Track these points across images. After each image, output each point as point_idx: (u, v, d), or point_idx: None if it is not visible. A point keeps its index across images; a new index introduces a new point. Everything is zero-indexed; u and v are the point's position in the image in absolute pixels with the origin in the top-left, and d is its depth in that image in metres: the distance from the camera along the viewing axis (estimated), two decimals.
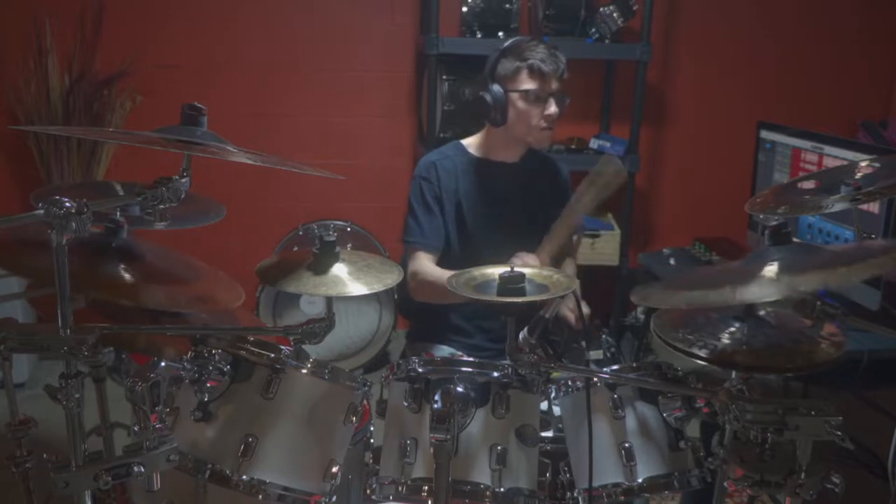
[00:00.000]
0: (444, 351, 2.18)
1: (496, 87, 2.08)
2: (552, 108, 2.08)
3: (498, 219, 2.19)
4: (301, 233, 3.47)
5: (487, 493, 1.41)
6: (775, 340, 1.42)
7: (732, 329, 1.45)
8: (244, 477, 1.39)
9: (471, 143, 2.25)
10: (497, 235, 2.15)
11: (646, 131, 3.67)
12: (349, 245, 3.13)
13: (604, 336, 3.13)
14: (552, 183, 2.28)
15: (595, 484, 1.47)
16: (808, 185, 1.59)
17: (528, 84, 2.07)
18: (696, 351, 1.42)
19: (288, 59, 3.61)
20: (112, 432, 1.30)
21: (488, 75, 2.11)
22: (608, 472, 1.48)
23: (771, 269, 1.26)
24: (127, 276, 1.43)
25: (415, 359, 1.51)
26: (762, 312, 1.47)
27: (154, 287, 1.42)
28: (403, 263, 2.22)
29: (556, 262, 2.34)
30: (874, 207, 2.43)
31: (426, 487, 1.42)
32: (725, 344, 1.42)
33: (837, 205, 1.45)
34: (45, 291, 1.50)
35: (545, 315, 1.59)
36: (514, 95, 2.08)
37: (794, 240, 1.36)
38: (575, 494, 1.53)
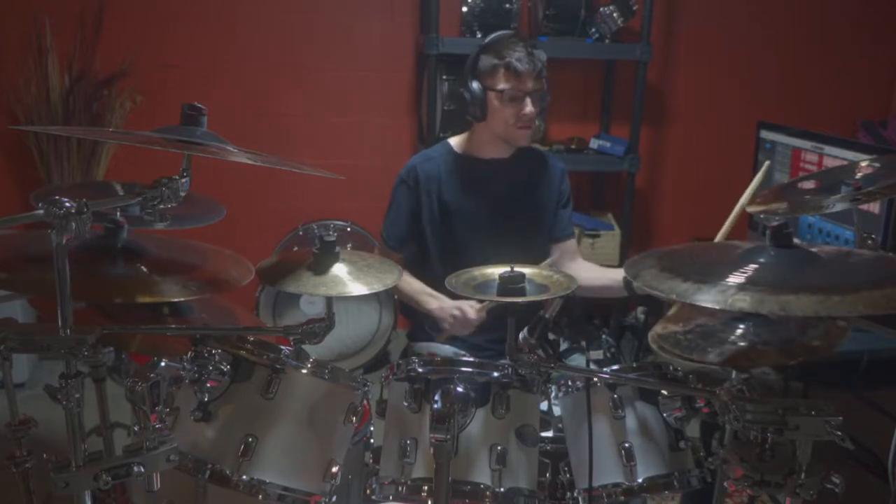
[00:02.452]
0: (446, 350, 2.18)
1: (475, 84, 2.09)
2: (528, 108, 2.07)
3: (487, 217, 2.19)
4: (301, 233, 3.47)
5: (487, 493, 1.41)
6: (778, 336, 1.42)
7: (738, 331, 1.45)
8: (244, 477, 1.39)
9: (459, 141, 2.25)
10: (486, 234, 2.15)
11: (646, 131, 3.67)
12: (349, 245, 3.14)
13: (604, 336, 3.13)
14: (544, 179, 2.26)
15: (595, 484, 1.47)
16: (808, 185, 1.58)
17: (504, 83, 2.07)
18: (698, 357, 1.42)
19: (288, 59, 3.61)
20: (112, 432, 1.30)
21: (469, 71, 2.12)
22: (608, 472, 1.48)
23: (741, 277, 1.22)
24: (136, 274, 1.43)
25: (415, 359, 1.51)
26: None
27: (166, 280, 1.42)
28: (404, 263, 2.23)
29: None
30: (874, 207, 2.43)
31: (426, 487, 1.42)
32: (730, 348, 1.41)
33: (838, 205, 1.45)
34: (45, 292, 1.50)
35: (545, 315, 1.59)
36: (492, 94, 2.08)
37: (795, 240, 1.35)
38: (575, 494, 1.53)
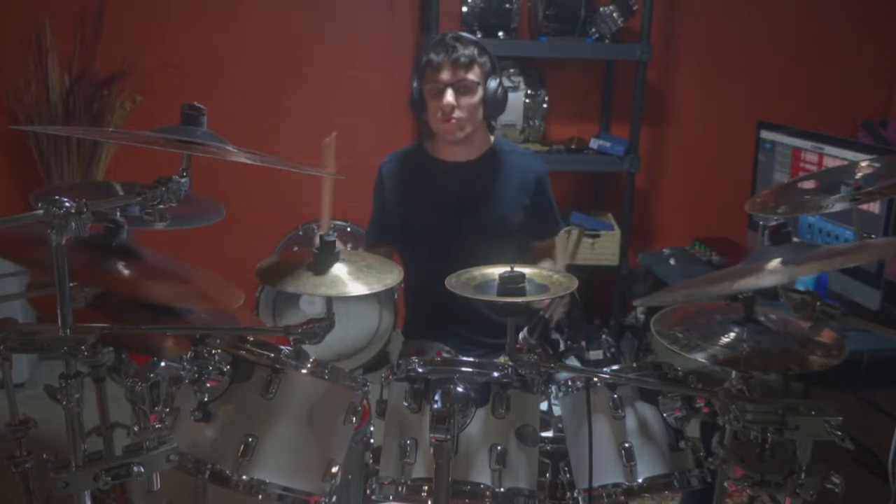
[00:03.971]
0: (436, 348, 2.18)
1: (416, 83, 2.11)
2: (445, 99, 2.04)
3: (443, 220, 2.18)
4: (301, 233, 3.47)
5: (487, 493, 1.41)
6: (772, 346, 1.42)
7: (731, 334, 1.45)
8: (244, 477, 1.39)
9: (429, 143, 2.25)
10: (442, 236, 2.15)
11: (646, 131, 3.67)
12: (349, 245, 3.13)
13: (604, 336, 3.13)
14: (512, 180, 2.20)
15: (595, 484, 1.47)
16: (808, 185, 1.58)
17: (427, 78, 2.08)
18: (687, 354, 1.42)
19: (288, 58, 3.61)
20: (112, 432, 1.30)
21: (413, 71, 2.12)
22: (608, 472, 1.48)
23: (773, 263, 1.27)
24: (128, 271, 1.43)
25: (415, 359, 1.51)
26: (762, 318, 1.47)
27: (155, 283, 1.42)
28: (403, 262, 2.24)
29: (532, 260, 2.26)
30: (874, 207, 2.43)
31: (426, 487, 1.42)
32: (720, 349, 1.42)
33: (837, 205, 1.45)
34: (46, 292, 1.50)
35: (545, 315, 1.59)
36: (424, 90, 2.10)
37: (794, 239, 1.36)
38: (575, 494, 1.53)
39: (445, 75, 2.04)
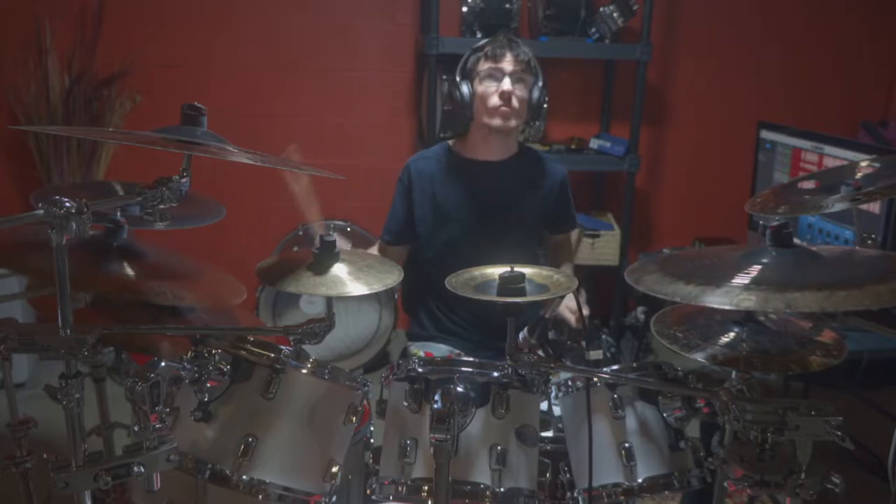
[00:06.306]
0: (442, 350, 2.18)
1: (462, 80, 2.13)
2: (506, 85, 2.08)
3: (476, 218, 2.19)
4: (301, 233, 3.47)
5: (487, 493, 1.41)
6: (772, 346, 1.42)
7: (731, 334, 1.44)
8: (244, 477, 1.39)
9: (457, 143, 2.26)
10: (475, 234, 2.17)
11: (646, 131, 3.67)
12: (349, 245, 3.13)
13: (604, 336, 3.13)
14: (541, 182, 2.25)
15: (595, 484, 1.47)
16: (808, 185, 1.58)
17: (483, 67, 2.11)
18: (687, 354, 1.42)
19: (288, 59, 3.61)
20: (112, 432, 1.30)
21: (459, 73, 2.15)
22: (608, 472, 1.48)
23: (746, 277, 1.23)
24: (130, 272, 1.43)
25: (415, 359, 1.51)
26: (762, 318, 1.47)
27: (157, 282, 1.42)
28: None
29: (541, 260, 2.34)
30: (874, 207, 2.43)
31: (426, 487, 1.42)
32: (719, 349, 1.41)
33: (837, 205, 1.45)
34: (45, 291, 1.51)
35: (545, 315, 1.59)
36: (476, 82, 2.12)
37: (795, 240, 1.35)
38: (575, 494, 1.53)
39: (507, 65, 2.10)
